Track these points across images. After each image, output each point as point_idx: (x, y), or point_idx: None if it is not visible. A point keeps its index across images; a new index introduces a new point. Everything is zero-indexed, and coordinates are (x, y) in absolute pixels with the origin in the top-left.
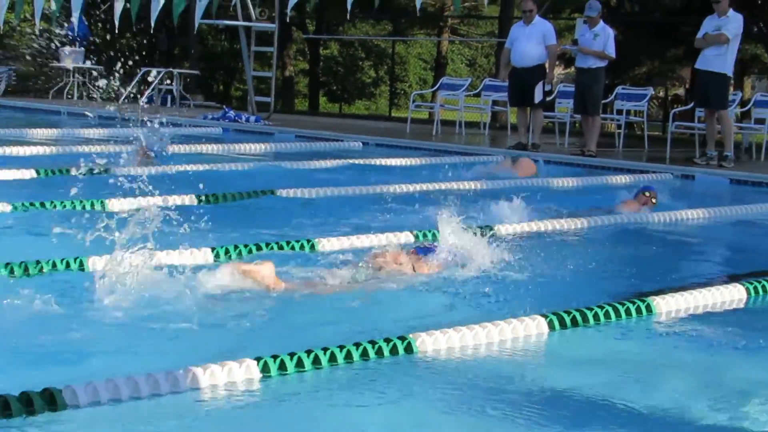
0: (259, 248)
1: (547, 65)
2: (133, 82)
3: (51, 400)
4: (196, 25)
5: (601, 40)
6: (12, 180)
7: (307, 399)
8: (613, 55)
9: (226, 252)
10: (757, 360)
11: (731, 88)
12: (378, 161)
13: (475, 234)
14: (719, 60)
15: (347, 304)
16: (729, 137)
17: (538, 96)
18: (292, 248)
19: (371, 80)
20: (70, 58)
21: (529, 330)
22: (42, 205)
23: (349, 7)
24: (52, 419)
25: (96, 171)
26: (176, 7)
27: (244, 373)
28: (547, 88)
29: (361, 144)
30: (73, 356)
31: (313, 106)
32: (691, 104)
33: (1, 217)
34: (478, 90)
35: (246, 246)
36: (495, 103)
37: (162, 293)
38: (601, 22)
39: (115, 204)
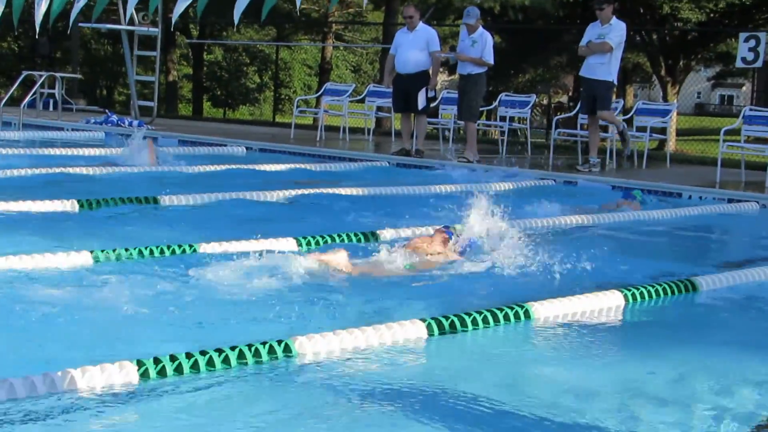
0: (141, 253)
1: (430, 71)
2: (14, 86)
3: None
4: (71, 27)
5: (479, 46)
6: None
7: None
8: (491, 62)
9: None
10: (631, 363)
11: (614, 96)
12: (262, 167)
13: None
14: (603, 68)
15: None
16: (618, 128)
17: (421, 102)
18: (173, 252)
19: (255, 86)
20: None
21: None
22: None
23: (236, 20)
24: None
25: None
26: (54, 11)
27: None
28: (431, 94)
29: (245, 149)
30: None
31: (197, 111)
32: (575, 111)
33: None
34: (362, 96)
35: (127, 250)
36: (379, 109)
37: None
38: (480, 29)
39: None
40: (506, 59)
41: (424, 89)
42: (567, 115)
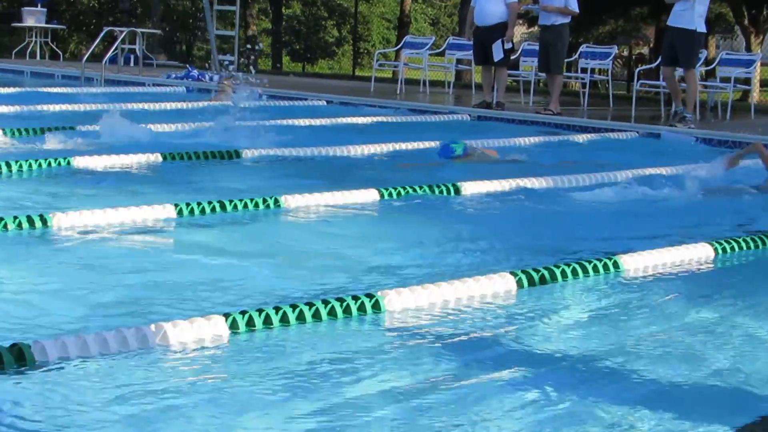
0: (224, 207)
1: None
2: (96, 42)
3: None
4: None
5: None
6: None
7: None
8: (576, 10)
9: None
10: (725, 314)
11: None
12: (343, 120)
13: None
14: (686, 15)
15: None
16: (692, 98)
17: (497, 54)
18: (256, 206)
19: (334, 39)
20: (32, 18)
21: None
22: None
23: None
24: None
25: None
26: None
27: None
28: (508, 46)
29: (325, 103)
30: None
31: (276, 66)
32: (657, 63)
33: None
34: (441, 49)
35: (210, 203)
36: (459, 62)
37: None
38: None
39: (80, 162)
40: (585, 10)
41: (500, 41)
42: (648, 66)
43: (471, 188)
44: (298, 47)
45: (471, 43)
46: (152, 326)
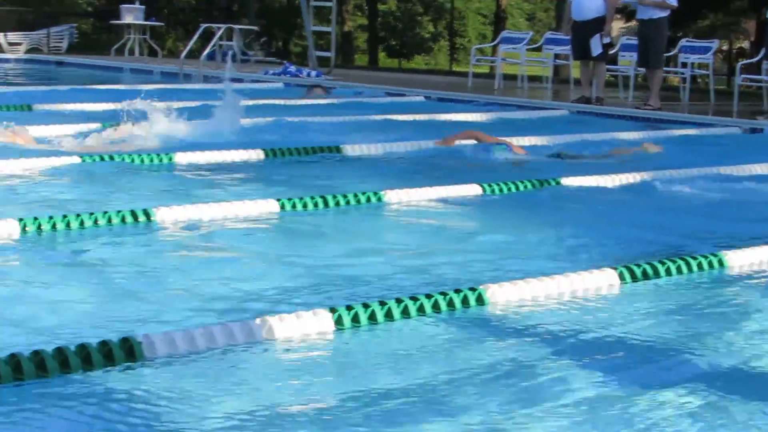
0: (326, 202)
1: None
2: (194, 39)
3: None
4: None
5: None
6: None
7: None
8: (675, 4)
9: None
10: None
11: None
12: (441, 116)
13: None
14: None
15: None
16: None
17: (595, 49)
18: (358, 201)
19: (430, 35)
20: (131, 15)
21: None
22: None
23: None
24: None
25: None
26: None
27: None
28: (606, 40)
29: (423, 98)
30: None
31: (372, 61)
32: (759, 57)
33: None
34: (539, 44)
35: (312, 198)
36: (557, 57)
37: None
38: None
39: (182, 158)
40: (685, 4)
41: (597, 35)
42: (750, 60)
43: (573, 182)
44: (393, 43)
45: (569, 38)
46: (258, 320)
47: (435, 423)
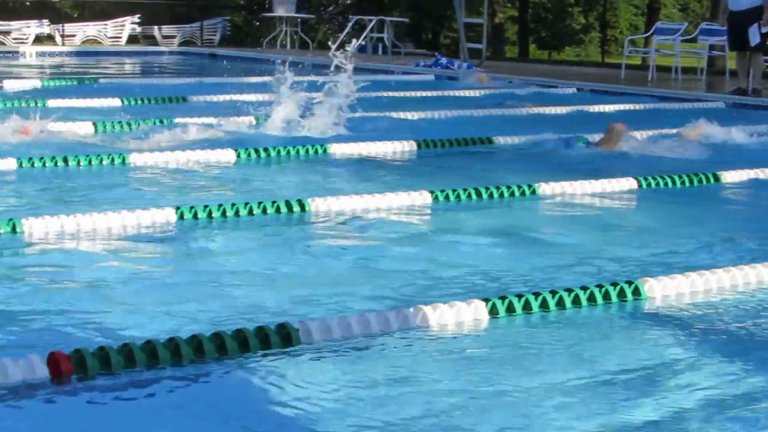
0: (479, 194)
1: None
2: (345, 31)
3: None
4: None
5: None
6: (235, 125)
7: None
8: None
9: (445, 197)
10: None
11: None
12: (594, 107)
13: None
14: None
15: None
16: None
17: (753, 39)
18: (512, 194)
19: (580, 26)
20: (283, 8)
21: None
22: (266, 151)
23: None
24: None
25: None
26: None
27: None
28: (765, 30)
29: (575, 90)
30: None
31: (522, 53)
32: None
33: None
34: (693, 35)
35: (465, 190)
36: (712, 47)
37: None
38: None
39: (336, 149)
40: None
41: (756, 25)
42: None
43: (731, 177)
44: (544, 34)
45: (724, 28)
46: (412, 309)
47: (600, 416)
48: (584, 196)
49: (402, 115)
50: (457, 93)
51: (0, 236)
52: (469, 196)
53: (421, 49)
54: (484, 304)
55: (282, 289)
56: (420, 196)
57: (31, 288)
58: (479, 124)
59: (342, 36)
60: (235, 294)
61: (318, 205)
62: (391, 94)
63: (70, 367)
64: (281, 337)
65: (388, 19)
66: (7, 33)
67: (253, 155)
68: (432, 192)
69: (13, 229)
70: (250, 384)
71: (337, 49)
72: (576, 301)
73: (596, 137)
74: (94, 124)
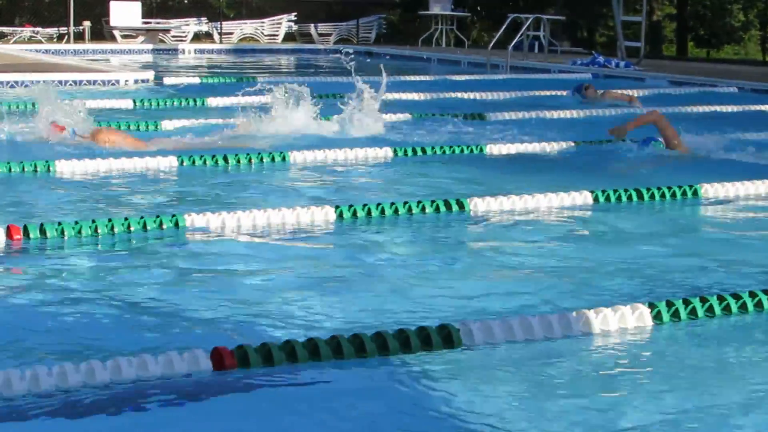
0: (640, 195)
1: None
2: (501, 29)
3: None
4: None
5: None
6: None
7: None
8: None
9: (606, 198)
10: None
11: None
12: (755, 107)
13: None
14: None
15: None
16: None
17: None
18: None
19: (740, 24)
20: (439, 5)
21: None
22: (423, 149)
23: None
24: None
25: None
26: None
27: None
28: None
29: (736, 89)
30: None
31: (680, 51)
32: None
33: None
34: None
35: (626, 191)
36: None
37: None
38: None
39: (492, 149)
40: None
41: None
42: None
43: None
44: (702, 33)
45: None
46: (575, 312)
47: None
48: (748, 199)
49: (560, 114)
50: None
51: (164, 231)
52: (630, 197)
53: (576, 48)
54: (648, 309)
55: (441, 290)
56: (581, 196)
57: (194, 283)
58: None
59: (498, 34)
60: (394, 293)
61: (477, 204)
62: (548, 93)
63: (234, 362)
64: (442, 338)
65: (544, 17)
66: (166, 31)
67: (410, 153)
68: (593, 192)
69: (176, 224)
70: (411, 384)
71: (493, 47)
72: (743, 308)
73: None
74: (250, 121)
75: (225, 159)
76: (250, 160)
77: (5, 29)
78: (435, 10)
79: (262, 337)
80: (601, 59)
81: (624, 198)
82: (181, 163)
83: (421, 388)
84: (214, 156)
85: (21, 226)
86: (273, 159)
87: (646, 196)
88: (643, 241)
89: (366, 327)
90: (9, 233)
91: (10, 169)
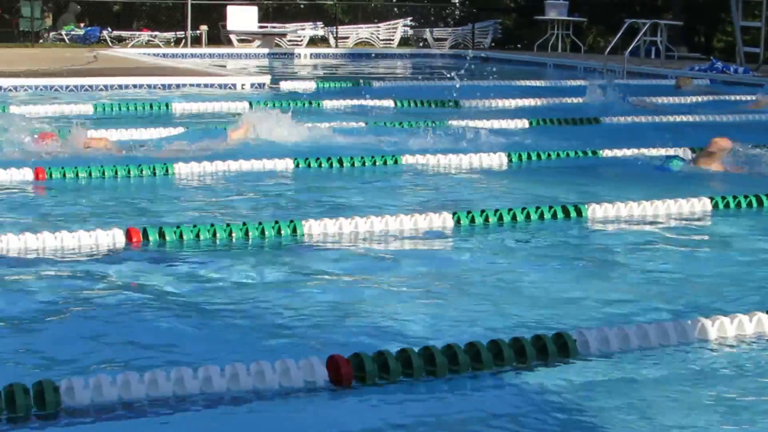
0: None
1: None
2: (618, 34)
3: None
4: None
5: None
6: (506, 129)
7: None
8: None
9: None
10: None
11: None
12: None
13: None
14: None
15: None
16: None
17: None
18: None
19: None
20: (555, 11)
21: None
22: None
23: None
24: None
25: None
26: None
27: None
28: None
29: None
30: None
31: None
32: None
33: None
34: None
35: (746, 197)
36: None
37: None
38: None
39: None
40: None
41: None
42: None
43: None
44: None
45: None
46: (690, 321)
47: None
48: None
49: (677, 118)
50: (734, 97)
51: (282, 237)
52: (750, 204)
53: (694, 53)
54: (767, 316)
55: (557, 297)
56: (700, 203)
57: (311, 291)
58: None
59: (614, 40)
60: (510, 301)
61: (595, 210)
62: (664, 99)
63: (350, 371)
64: (558, 347)
65: (662, 22)
66: (282, 35)
67: (525, 159)
68: (712, 199)
69: (294, 230)
70: (525, 393)
71: (609, 52)
72: None
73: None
74: (366, 124)
75: (340, 162)
76: (364, 163)
77: (123, 33)
78: (551, 15)
79: (377, 346)
80: (719, 65)
81: (744, 204)
82: (297, 165)
83: (536, 398)
84: (329, 158)
85: (140, 229)
86: (385, 162)
87: (765, 203)
88: (755, 248)
89: (477, 336)
90: (129, 236)
91: (129, 172)
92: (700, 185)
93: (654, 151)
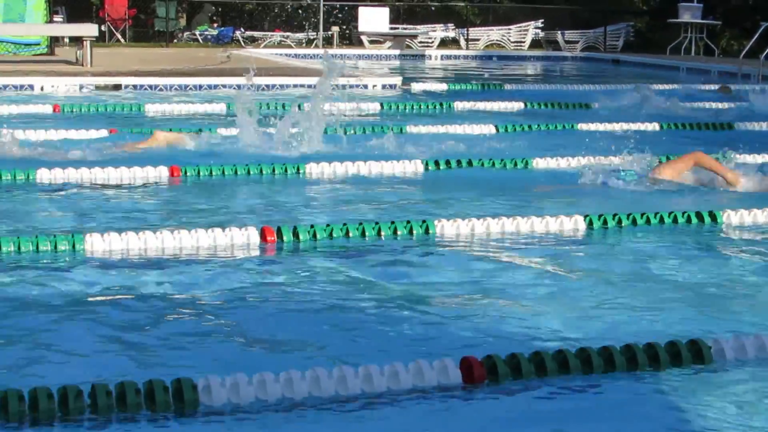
0: None
1: None
2: (753, 38)
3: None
4: None
5: None
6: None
7: None
8: None
9: None
10: None
11: None
12: None
13: None
14: None
15: None
16: None
17: None
18: None
19: None
20: (689, 13)
21: None
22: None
23: None
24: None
25: None
26: None
27: None
28: None
29: None
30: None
31: None
32: None
33: None
34: None
35: None
36: None
37: None
38: None
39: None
40: None
41: None
42: None
43: None
44: None
45: None
46: None
47: None
48: None
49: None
50: None
51: (413, 238)
52: None
53: None
54: None
55: (693, 303)
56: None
57: (441, 292)
58: None
59: (750, 43)
60: (642, 305)
61: (730, 216)
62: None
63: (483, 373)
64: (693, 354)
65: None
66: (413, 37)
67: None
68: None
69: (426, 230)
70: (659, 399)
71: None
72: None
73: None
74: (496, 126)
75: (470, 162)
76: (493, 164)
77: (256, 33)
78: (685, 17)
79: (508, 348)
80: None
81: None
82: (426, 167)
83: (669, 405)
84: (459, 159)
85: (275, 228)
86: (515, 164)
87: None
88: None
89: (609, 340)
90: (263, 235)
91: (261, 171)
92: None
93: None
